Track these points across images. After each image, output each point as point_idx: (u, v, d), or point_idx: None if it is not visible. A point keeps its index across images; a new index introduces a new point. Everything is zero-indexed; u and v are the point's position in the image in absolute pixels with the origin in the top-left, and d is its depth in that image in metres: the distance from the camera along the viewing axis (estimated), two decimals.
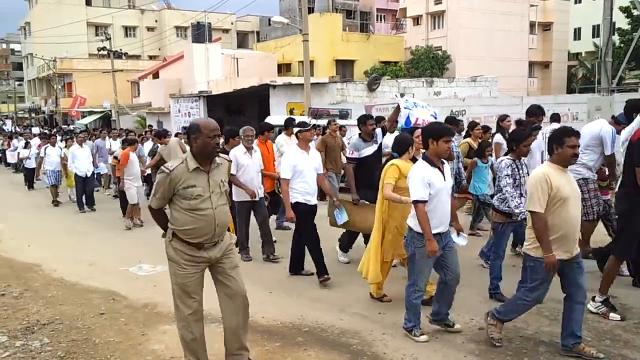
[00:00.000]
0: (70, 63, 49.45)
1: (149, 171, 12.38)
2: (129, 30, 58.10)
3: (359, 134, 7.39)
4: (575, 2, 48.37)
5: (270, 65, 37.41)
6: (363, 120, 7.24)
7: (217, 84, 30.10)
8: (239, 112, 26.09)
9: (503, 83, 30.27)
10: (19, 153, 19.11)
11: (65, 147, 14.78)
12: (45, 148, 14.53)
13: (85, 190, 13.01)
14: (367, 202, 6.82)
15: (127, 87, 44.15)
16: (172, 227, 4.00)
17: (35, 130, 34.32)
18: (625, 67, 20.11)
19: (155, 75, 41.19)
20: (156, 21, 58.77)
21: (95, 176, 14.13)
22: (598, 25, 36.94)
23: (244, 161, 7.60)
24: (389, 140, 8.31)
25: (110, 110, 38.68)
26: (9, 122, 51.51)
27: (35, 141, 20.36)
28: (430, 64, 36.27)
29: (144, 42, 54.31)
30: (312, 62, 27.31)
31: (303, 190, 6.62)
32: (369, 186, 6.80)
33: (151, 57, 55.31)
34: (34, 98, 61.73)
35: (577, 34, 48.80)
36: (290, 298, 6.07)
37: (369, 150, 7.13)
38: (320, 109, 15.37)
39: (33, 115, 62.22)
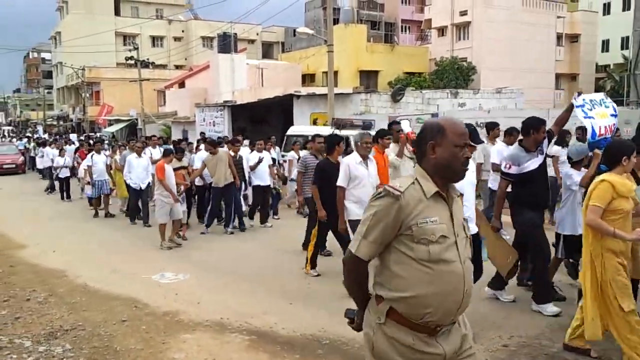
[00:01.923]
0: (98, 72, 50.35)
1: (196, 182, 11.59)
2: (156, 40, 59.00)
3: (519, 142, 5.86)
4: (604, 14, 47.74)
5: (295, 76, 37.55)
6: (535, 126, 5.66)
7: (241, 93, 30.30)
8: (263, 122, 26.21)
9: (529, 95, 29.93)
10: (52, 160, 18.19)
11: (112, 154, 14.22)
12: (92, 156, 13.65)
13: (139, 203, 12.19)
14: (506, 234, 5.76)
15: (153, 96, 44.72)
16: (388, 295, 2.41)
17: (73, 137, 34.12)
18: None
19: (181, 85, 41.66)
20: (183, 31, 59.59)
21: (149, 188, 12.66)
22: (627, 37, 36.41)
23: (359, 172, 6.52)
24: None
25: (137, 119, 39.21)
26: (40, 128, 52.55)
27: (71, 149, 20.14)
28: (455, 75, 36.05)
29: (170, 52, 55.10)
30: (336, 72, 27.36)
31: None
32: (534, 207, 5.69)
33: (177, 67, 56.03)
34: (63, 106, 62.99)
35: (605, 46, 48.10)
36: (312, 310, 6.03)
37: (534, 163, 5.66)
38: (344, 120, 15.35)
39: (61, 122, 63.45)
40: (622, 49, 43.50)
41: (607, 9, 48.16)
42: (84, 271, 7.93)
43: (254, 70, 34.84)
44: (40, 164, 22.71)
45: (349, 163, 6.48)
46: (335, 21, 35.31)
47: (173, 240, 9.70)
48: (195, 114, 28.37)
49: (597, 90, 44.56)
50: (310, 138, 9.44)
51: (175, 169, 10.36)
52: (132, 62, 36.04)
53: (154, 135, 16.98)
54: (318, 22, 41.59)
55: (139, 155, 12.27)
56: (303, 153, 10.36)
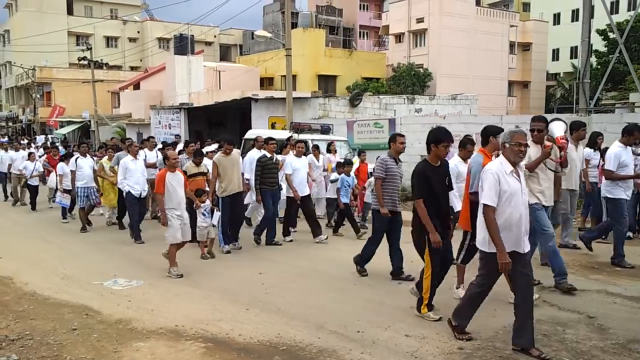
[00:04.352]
0: (49, 72, 48.94)
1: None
2: (110, 41, 57.79)
3: None
4: (554, 24, 49.37)
5: (253, 79, 37.41)
6: None
7: (198, 96, 29.98)
8: (220, 125, 26.02)
9: (483, 101, 30.64)
10: (11, 165, 16.02)
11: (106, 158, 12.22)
12: (76, 159, 11.96)
13: (140, 213, 10.65)
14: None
15: (107, 98, 43.78)
16: None
17: (40, 139, 31.48)
18: (603, 89, 20.47)
19: (136, 87, 40.92)
20: (138, 32, 58.57)
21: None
22: (576, 47, 37.64)
23: (510, 186, 4.80)
24: None
25: (90, 121, 38.30)
26: None
27: (40, 153, 18.20)
28: (412, 81, 36.58)
29: (125, 53, 54.04)
30: (294, 76, 27.36)
31: None
32: None
33: (132, 68, 55.03)
34: (12, 107, 60.87)
35: (556, 55, 49.74)
36: (268, 315, 5.97)
37: None
38: (302, 124, 15.35)
39: (10, 124, 61.32)
40: (571, 58, 45.06)
41: (557, 19, 49.84)
42: (33, 278, 7.65)
43: (211, 73, 34.53)
44: None
45: (498, 172, 4.78)
46: (294, 25, 35.34)
47: (170, 272, 7.68)
48: (151, 116, 27.91)
49: (547, 98, 46.00)
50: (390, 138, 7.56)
51: (191, 176, 9.05)
52: (85, 62, 35.21)
53: (151, 136, 14.65)
54: (276, 25, 41.55)
55: (135, 157, 10.75)
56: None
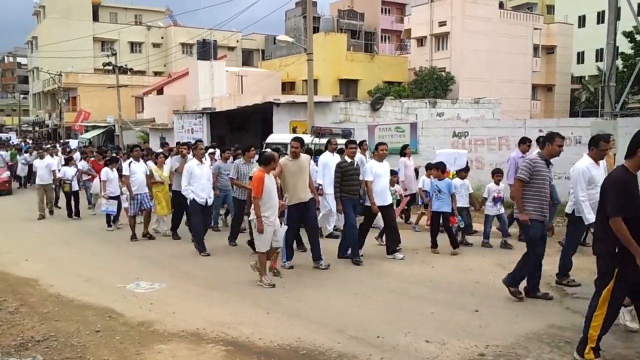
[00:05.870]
0: (75, 77, 49.83)
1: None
2: (135, 46, 58.64)
3: None
4: (579, 26, 48.67)
5: (275, 83, 37.58)
6: None
7: (221, 101, 30.18)
8: (242, 130, 26.15)
9: (506, 105, 30.32)
10: (55, 171, 14.57)
11: (156, 164, 11.70)
12: (130, 164, 11.37)
13: (205, 222, 10.00)
14: None
15: (131, 103, 44.38)
16: None
17: (74, 144, 31.04)
18: (629, 92, 20.14)
19: (160, 91, 41.39)
20: (162, 38, 59.32)
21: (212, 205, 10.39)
22: (601, 49, 37.13)
23: None
24: None
25: (114, 125, 38.86)
26: (13, 134, 51.58)
27: (76, 157, 17.81)
28: (434, 85, 36.38)
29: (149, 58, 54.75)
30: (316, 81, 27.43)
31: None
32: None
33: (156, 73, 55.71)
34: (39, 111, 62.16)
35: (581, 58, 49.03)
36: (288, 319, 5.99)
37: None
38: (324, 128, 15.35)
39: (37, 128, 62.56)
40: (596, 60, 44.38)
41: (582, 21, 49.14)
42: (58, 280, 7.79)
43: (233, 78, 34.75)
44: (20, 171, 21.73)
45: None
46: (316, 30, 35.44)
47: (262, 282, 7.41)
48: (174, 121, 28.18)
49: (572, 101, 45.32)
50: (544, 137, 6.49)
51: None
52: (110, 68, 35.74)
53: (200, 140, 12.26)
54: (298, 30, 41.68)
55: (201, 161, 9.87)
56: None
